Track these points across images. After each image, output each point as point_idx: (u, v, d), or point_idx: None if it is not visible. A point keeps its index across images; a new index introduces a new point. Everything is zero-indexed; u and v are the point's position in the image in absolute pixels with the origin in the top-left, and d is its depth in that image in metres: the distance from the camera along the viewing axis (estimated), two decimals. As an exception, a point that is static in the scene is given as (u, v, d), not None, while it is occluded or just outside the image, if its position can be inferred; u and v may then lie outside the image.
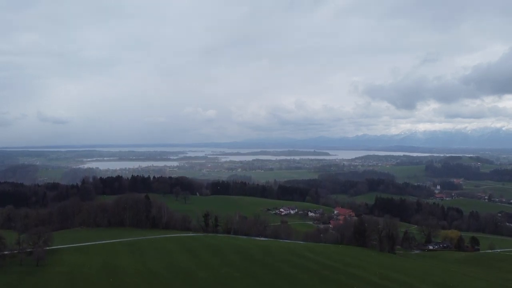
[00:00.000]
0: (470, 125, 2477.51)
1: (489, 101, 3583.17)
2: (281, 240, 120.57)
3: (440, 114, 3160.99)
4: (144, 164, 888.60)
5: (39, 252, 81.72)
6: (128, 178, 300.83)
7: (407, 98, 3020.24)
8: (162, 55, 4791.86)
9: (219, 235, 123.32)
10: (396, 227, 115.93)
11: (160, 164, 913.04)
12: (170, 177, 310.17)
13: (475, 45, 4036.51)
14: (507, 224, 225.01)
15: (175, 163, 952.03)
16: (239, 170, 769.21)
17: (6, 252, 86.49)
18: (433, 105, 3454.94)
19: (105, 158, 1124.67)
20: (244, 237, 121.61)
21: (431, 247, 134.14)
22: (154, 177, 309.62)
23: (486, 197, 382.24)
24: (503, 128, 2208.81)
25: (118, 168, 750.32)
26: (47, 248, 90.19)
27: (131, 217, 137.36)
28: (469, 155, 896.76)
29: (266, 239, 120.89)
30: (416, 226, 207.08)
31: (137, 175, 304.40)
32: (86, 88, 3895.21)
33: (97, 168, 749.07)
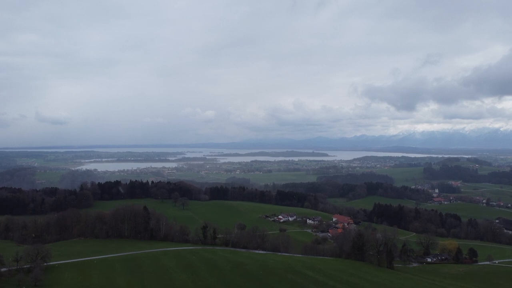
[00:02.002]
0: (468, 126, 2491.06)
1: (488, 103, 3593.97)
2: (280, 254, 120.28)
3: (438, 114, 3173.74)
4: (142, 165, 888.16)
5: (37, 273, 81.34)
6: (126, 183, 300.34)
7: (406, 100, 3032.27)
8: (161, 55, 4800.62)
9: (217, 248, 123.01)
10: (395, 242, 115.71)
11: (159, 165, 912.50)
12: (168, 182, 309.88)
13: (475, 46, 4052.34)
14: (505, 231, 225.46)
15: (173, 165, 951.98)
16: (238, 172, 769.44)
17: (3, 270, 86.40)
18: (433, 106, 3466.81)
19: (103, 159, 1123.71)
20: (243, 250, 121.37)
21: (429, 260, 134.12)
22: (152, 182, 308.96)
23: (484, 201, 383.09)
24: (501, 129, 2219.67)
25: (116, 170, 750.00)
26: (46, 264, 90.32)
27: (129, 229, 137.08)
28: (467, 156, 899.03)
29: (264, 252, 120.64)
30: (414, 233, 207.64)
31: (135, 180, 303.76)
32: (85, 89, 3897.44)
33: (95, 169, 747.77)
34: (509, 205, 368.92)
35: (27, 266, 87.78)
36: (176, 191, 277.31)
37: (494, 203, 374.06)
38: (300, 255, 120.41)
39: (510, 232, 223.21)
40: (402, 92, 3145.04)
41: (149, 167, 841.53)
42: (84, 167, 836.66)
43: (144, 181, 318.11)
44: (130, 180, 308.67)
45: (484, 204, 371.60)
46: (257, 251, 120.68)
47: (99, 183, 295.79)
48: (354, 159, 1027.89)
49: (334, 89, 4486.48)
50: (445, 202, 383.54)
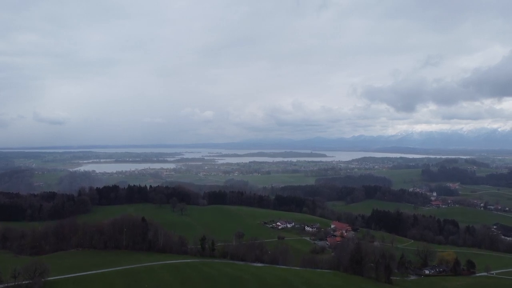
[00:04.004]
0: (466, 126, 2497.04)
1: (488, 104, 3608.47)
2: (278, 267, 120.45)
3: (437, 115, 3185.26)
4: (140, 166, 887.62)
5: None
6: (124, 187, 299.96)
7: (406, 100, 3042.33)
8: (161, 55, 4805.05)
9: (215, 260, 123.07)
10: (394, 256, 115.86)
11: (157, 166, 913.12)
12: (167, 187, 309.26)
13: (475, 46, 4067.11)
14: (503, 237, 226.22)
15: (171, 166, 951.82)
16: (236, 173, 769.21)
17: (1, 287, 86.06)
18: (432, 107, 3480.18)
19: (101, 160, 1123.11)
20: (241, 262, 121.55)
21: (427, 272, 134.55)
22: (150, 186, 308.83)
23: (482, 205, 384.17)
24: (499, 129, 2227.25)
25: (115, 171, 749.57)
26: (44, 279, 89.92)
27: (127, 240, 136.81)
28: (465, 157, 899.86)
29: (263, 265, 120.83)
30: (412, 241, 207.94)
31: (134, 185, 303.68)
32: (84, 89, 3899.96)
33: (93, 171, 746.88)
34: (507, 208, 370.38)
35: (26, 282, 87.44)
36: (175, 195, 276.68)
37: (492, 207, 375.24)
38: (298, 268, 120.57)
39: (507, 238, 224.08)
40: (401, 93, 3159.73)
41: (147, 168, 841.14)
42: (82, 168, 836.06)
43: (143, 184, 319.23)
44: (129, 185, 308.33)
45: (482, 208, 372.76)
46: (255, 264, 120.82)
47: (97, 188, 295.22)
48: (353, 160, 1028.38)
49: (334, 89, 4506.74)
50: (443, 206, 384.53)
